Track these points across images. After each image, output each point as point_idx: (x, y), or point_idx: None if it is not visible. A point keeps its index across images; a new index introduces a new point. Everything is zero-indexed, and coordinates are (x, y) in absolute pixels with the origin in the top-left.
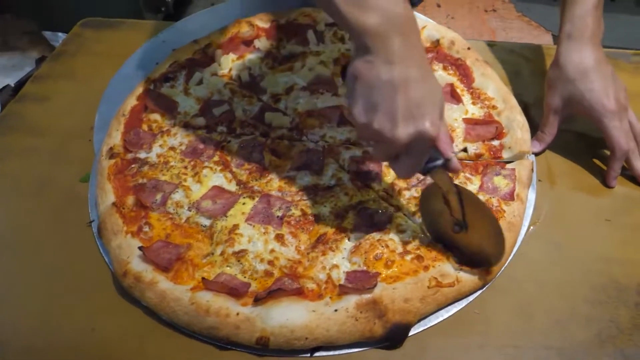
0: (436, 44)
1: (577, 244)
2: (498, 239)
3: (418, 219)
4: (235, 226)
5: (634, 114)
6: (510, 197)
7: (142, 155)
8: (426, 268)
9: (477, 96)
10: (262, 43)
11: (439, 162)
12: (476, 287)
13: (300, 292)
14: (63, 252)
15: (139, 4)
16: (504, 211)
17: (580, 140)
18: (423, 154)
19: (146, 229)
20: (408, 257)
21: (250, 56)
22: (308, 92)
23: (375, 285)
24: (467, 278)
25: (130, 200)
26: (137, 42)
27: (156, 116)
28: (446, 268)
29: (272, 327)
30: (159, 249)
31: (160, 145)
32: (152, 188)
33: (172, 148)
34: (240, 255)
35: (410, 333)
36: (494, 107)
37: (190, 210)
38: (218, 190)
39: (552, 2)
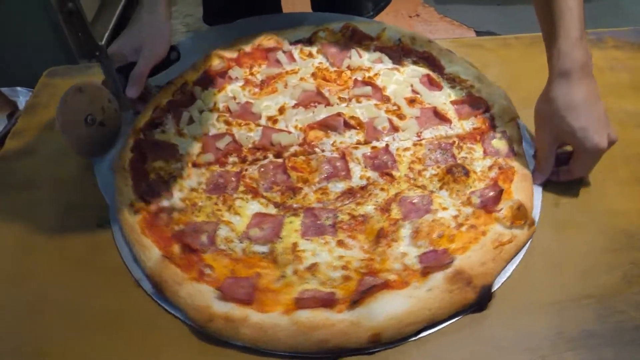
0: (398, 42)
1: (581, 203)
2: None
3: (445, 192)
4: (295, 244)
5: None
6: (513, 153)
7: (165, 203)
8: (483, 233)
9: (452, 80)
10: (236, 72)
11: None
12: (528, 238)
13: (387, 285)
14: (121, 319)
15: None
16: (514, 167)
17: None
18: None
19: (208, 271)
20: (464, 229)
21: (230, 86)
22: (301, 107)
23: (452, 259)
24: (519, 232)
25: (176, 248)
26: None
27: (160, 163)
28: (499, 229)
29: (380, 323)
30: (232, 286)
31: (179, 190)
32: (193, 231)
33: (193, 189)
34: (313, 269)
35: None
36: (472, 87)
37: (242, 242)
38: (260, 216)
39: (469, 1)
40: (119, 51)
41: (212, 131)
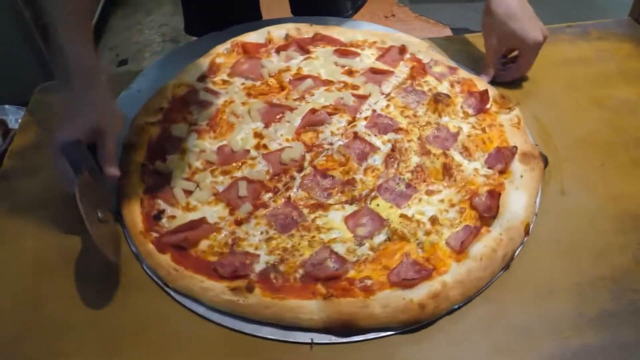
0: (286, 37)
1: (585, 190)
2: None
3: (446, 117)
4: (404, 215)
5: None
6: (453, 69)
7: (260, 268)
8: (501, 125)
9: (357, 46)
10: (178, 130)
11: None
12: None
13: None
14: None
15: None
16: (465, 77)
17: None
18: None
19: (369, 282)
20: (488, 130)
21: (188, 143)
22: (272, 124)
23: (513, 149)
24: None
25: (321, 289)
26: None
27: (205, 244)
28: (503, 117)
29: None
30: (409, 272)
31: (257, 249)
32: (319, 265)
33: (269, 240)
34: (435, 223)
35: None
36: (375, 42)
37: (363, 244)
38: (351, 217)
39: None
40: (73, 138)
41: (220, 187)
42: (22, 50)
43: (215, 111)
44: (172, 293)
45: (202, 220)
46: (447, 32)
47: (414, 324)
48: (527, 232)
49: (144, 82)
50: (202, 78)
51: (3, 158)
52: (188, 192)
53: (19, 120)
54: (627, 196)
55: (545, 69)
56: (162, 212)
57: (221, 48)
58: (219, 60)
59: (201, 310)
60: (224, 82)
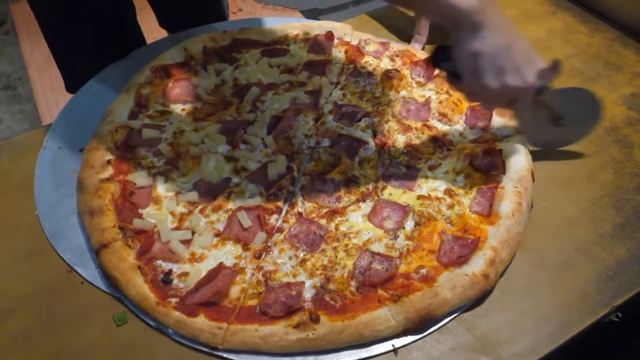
0: (204, 49)
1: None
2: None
3: (404, 91)
4: (422, 195)
5: None
6: (385, 46)
7: (311, 294)
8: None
9: (276, 43)
10: (139, 179)
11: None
12: None
13: None
14: None
15: None
16: (399, 48)
17: None
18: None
19: (423, 271)
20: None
21: (157, 193)
22: (237, 146)
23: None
24: None
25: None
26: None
27: (236, 289)
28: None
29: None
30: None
31: (301, 267)
32: (368, 270)
33: (302, 263)
34: (452, 196)
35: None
36: (292, 36)
37: (398, 235)
38: (371, 214)
39: None
40: None
41: (219, 225)
42: None
43: (168, 147)
44: (225, 355)
45: (220, 267)
46: (299, 16)
47: (480, 296)
48: (533, 178)
49: (59, 136)
50: (134, 115)
51: None
52: (186, 242)
53: None
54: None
55: None
56: (169, 273)
57: (141, 78)
58: (144, 91)
59: None
60: (162, 113)
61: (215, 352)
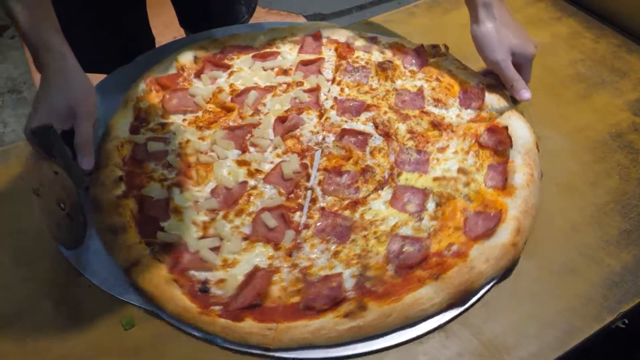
0: (194, 60)
1: (553, 132)
2: None
3: (400, 80)
4: (437, 176)
5: None
6: (374, 41)
7: (353, 292)
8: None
9: (268, 44)
10: (155, 192)
11: None
12: None
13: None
14: None
15: None
16: (390, 40)
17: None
18: None
19: (453, 249)
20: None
21: (175, 204)
22: (246, 150)
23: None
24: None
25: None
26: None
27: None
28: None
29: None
30: (481, 220)
31: (336, 259)
32: (402, 253)
33: (335, 255)
34: (467, 176)
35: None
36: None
37: (422, 220)
38: (393, 201)
39: None
40: (48, 122)
41: (245, 229)
42: None
43: (177, 158)
44: (277, 354)
45: (256, 269)
46: (302, 21)
47: (511, 266)
48: (538, 149)
49: None
50: (135, 129)
51: None
52: (215, 249)
53: None
54: (588, 127)
55: (461, 30)
56: (205, 282)
57: (136, 92)
58: (142, 104)
59: (320, 354)
60: (164, 125)
61: (267, 354)
